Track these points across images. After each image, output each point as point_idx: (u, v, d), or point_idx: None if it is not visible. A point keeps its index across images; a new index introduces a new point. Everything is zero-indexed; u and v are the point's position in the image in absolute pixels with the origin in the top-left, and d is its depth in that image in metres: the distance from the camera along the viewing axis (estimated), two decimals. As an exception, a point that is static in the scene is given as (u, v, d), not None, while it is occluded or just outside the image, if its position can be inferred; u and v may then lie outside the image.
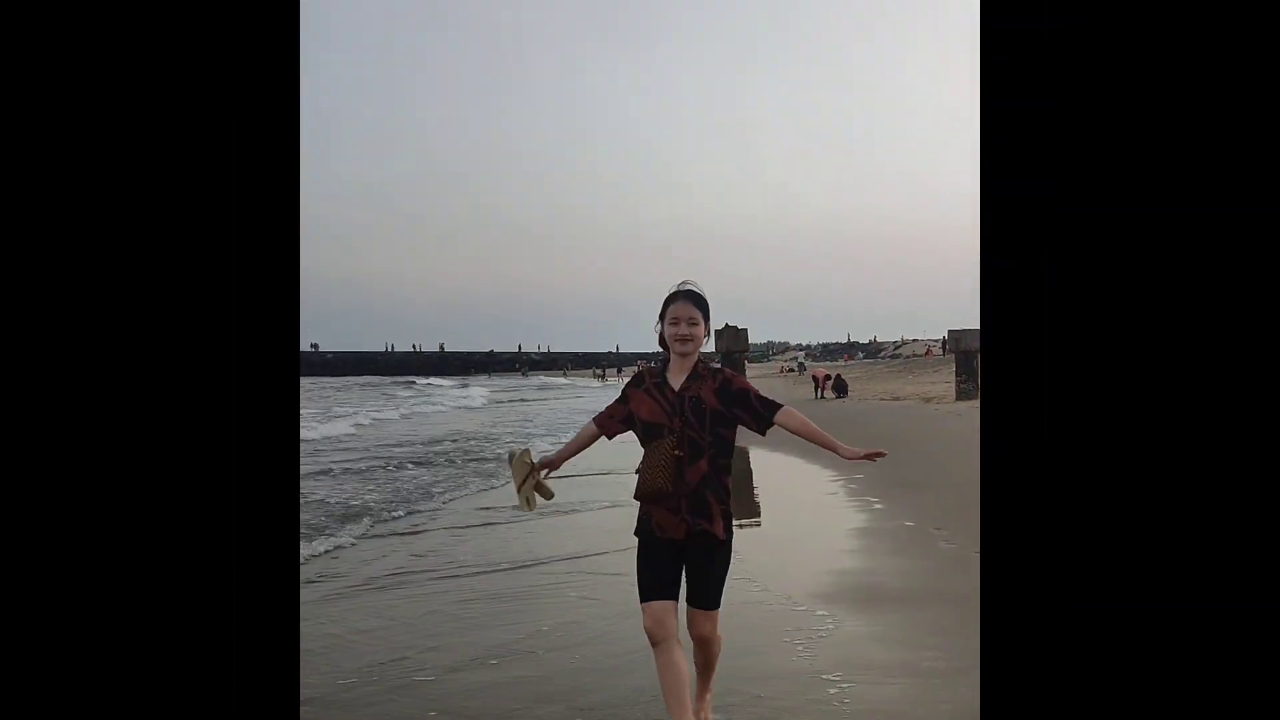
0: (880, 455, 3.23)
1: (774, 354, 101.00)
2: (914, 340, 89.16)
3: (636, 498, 3.29)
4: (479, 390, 47.24)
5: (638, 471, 3.26)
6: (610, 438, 3.52)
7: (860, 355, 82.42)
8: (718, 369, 3.39)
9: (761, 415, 3.27)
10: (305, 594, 5.68)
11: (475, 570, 6.38)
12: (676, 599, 3.24)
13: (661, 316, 3.36)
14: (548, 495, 3.55)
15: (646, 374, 3.44)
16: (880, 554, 6.50)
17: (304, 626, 4.91)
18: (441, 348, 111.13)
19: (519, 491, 3.48)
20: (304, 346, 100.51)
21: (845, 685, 3.90)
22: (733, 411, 3.28)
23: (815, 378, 31.21)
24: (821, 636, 4.59)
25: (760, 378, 43.46)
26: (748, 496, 10.11)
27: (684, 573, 3.29)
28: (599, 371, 75.90)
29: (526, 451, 3.57)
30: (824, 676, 4.01)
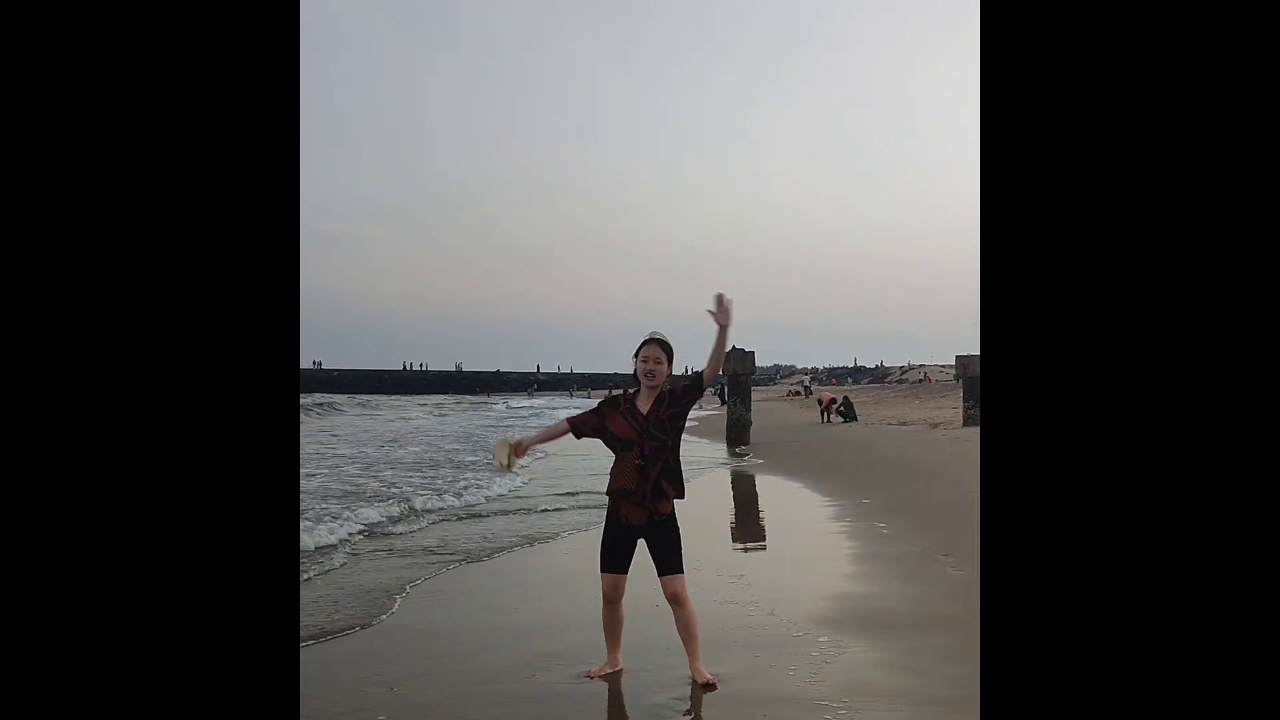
0: (721, 302, 4.26)
1: (781, 377, 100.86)
2: (920, 365, 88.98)
3: (608, 494, 4.37)
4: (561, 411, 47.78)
5: (610, 473, 4.35)
6: (578, 438, 4.50)
7: (850, 380, 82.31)
8: (670, 390, 4.43)
9: (696, 388, 4.48)
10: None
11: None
12: (627, 572, 4.38)
13: (635, 355, 4.39)
14: (517, 463, 4.58)
15: (621, 399, 4.46)
16: (886, 580, 6.47)
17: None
18: (459, 367, 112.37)
19: (507, 467, 4.53)
20: (306, 363, 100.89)
21: (850, 712, 3.88)
22: (682, 404, 4.39)
23: (821, 401, 31.12)
24: (826, 662, 4.55)
25: (766, 401, 43.39)
26: (753, 520, 10.09)
27: (649, 550, 4.33)
28: (609, 393, 74.81)
29: (504, 440, 4.58)
30: (828, 703, 3.98)
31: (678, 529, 4.36)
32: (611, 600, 4.39)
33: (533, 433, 4.67)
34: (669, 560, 4.29)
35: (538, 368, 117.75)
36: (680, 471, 4.40)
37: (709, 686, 4.18)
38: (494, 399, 66.29)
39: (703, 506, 10.16)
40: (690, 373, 4.49)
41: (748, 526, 9.62)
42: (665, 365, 4.38)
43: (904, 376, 79.66)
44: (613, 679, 4.38)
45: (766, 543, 8.74)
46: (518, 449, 4.53)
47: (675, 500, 4.37)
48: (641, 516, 4.29)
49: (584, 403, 62.47)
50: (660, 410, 4.34)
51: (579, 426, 4.47)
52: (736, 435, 21.01)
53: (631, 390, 4.50)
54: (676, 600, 4.28)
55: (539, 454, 4.52)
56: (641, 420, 4.33)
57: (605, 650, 4.49)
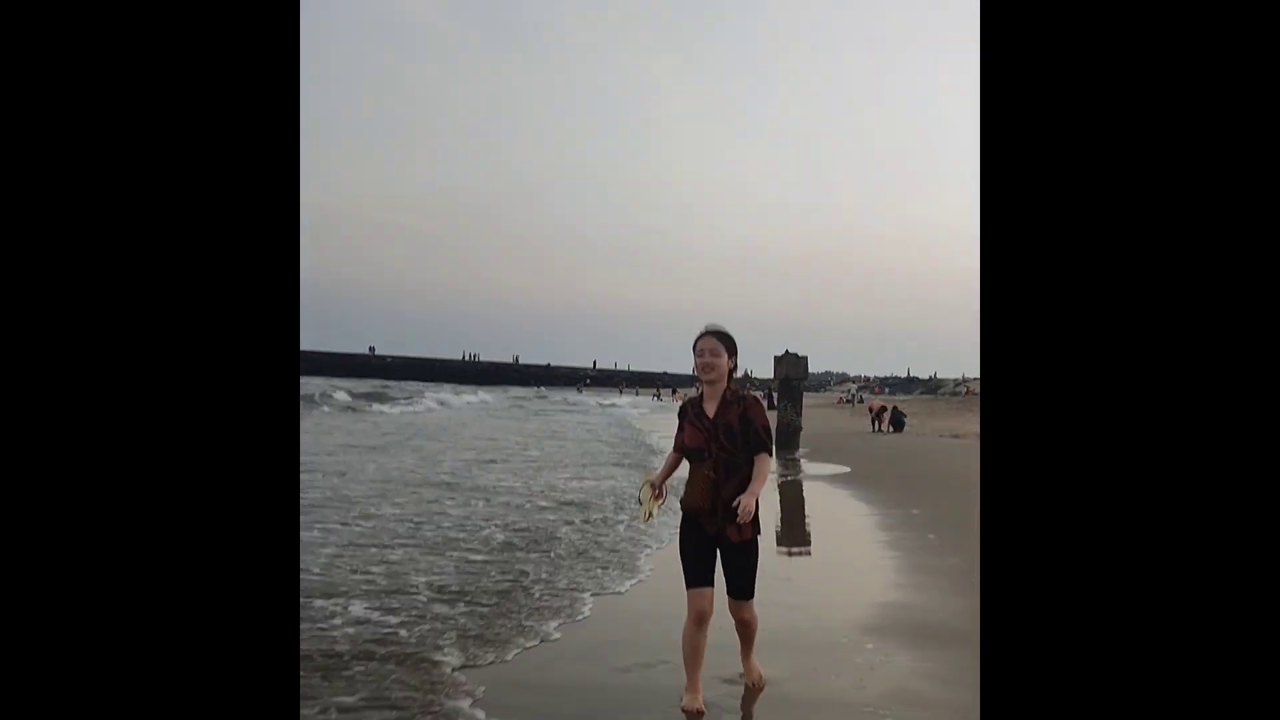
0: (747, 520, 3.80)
1: (834, 384, 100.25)
2: (974, 379, 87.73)
3: (683, 506, 3.99)
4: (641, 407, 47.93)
5: (686, 484, 3.97)
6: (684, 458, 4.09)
7: (888, 390, 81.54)
8: (743, 394, 3.97)
9: (751, 449, 3.90)
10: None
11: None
12: (713, 583, 3.88)
13: (694, 350, 3.97)
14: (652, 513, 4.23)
15: (689, 405, 4.06)
16: (935, 591, 6.40)
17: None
18: (516, 359, 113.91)
19: (647, 505, 4.18)
20: (361, 349, 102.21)
21: (895, 720, 3.85)
22: (745, 434, 3.90)
23: (872, 409, 30.75)
24: (872, 669, 4.53)
25: (817, 408, 43.07)
26: (799, 526, 10.03)
27: (722, 564, 3.93)
28: (657, 392, 74.49)
29: (650, 472, 4.31)
30: (874, 710, 3.96)
31: (755, 551, 3.96)
32: (701, 619, 3.86)
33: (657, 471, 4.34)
34: (739, 584, 3.94)
35: (594, 363, 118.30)
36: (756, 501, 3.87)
37: (757, 684, 4.17)
38: (583, 395, 65.85)
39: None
40: (766, 441, 3.95)
41: (795, 531, 9.57)
42: (725, 358, 3.93)
43: (956, 389, 78.65)
44: (664, 676, 4.38)
45: (813, 548, 8.69)
46: (656, 487, 4.17)
47: (752, 531, 3.89)
48: (713, 528, 3.90)
49: (632, 400, 62.81)
50: (729, 415, 3.90)
51: (675, 447, 4.12)
52: (785, 440, 20.88)
53: (698, 392, 4.08)
54: (743, 623, 4.08)
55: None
56: (709, 424, 3.92)
57: (686, 680, 3.95)
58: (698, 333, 4.00)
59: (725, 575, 3.95)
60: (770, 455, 3.94)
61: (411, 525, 8.41)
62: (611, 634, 5.20)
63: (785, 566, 7.45)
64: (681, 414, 4.08)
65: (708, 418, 3.94)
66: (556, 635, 5.10)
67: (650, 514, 4.16)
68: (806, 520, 10.47)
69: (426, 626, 5.11)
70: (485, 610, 5.54)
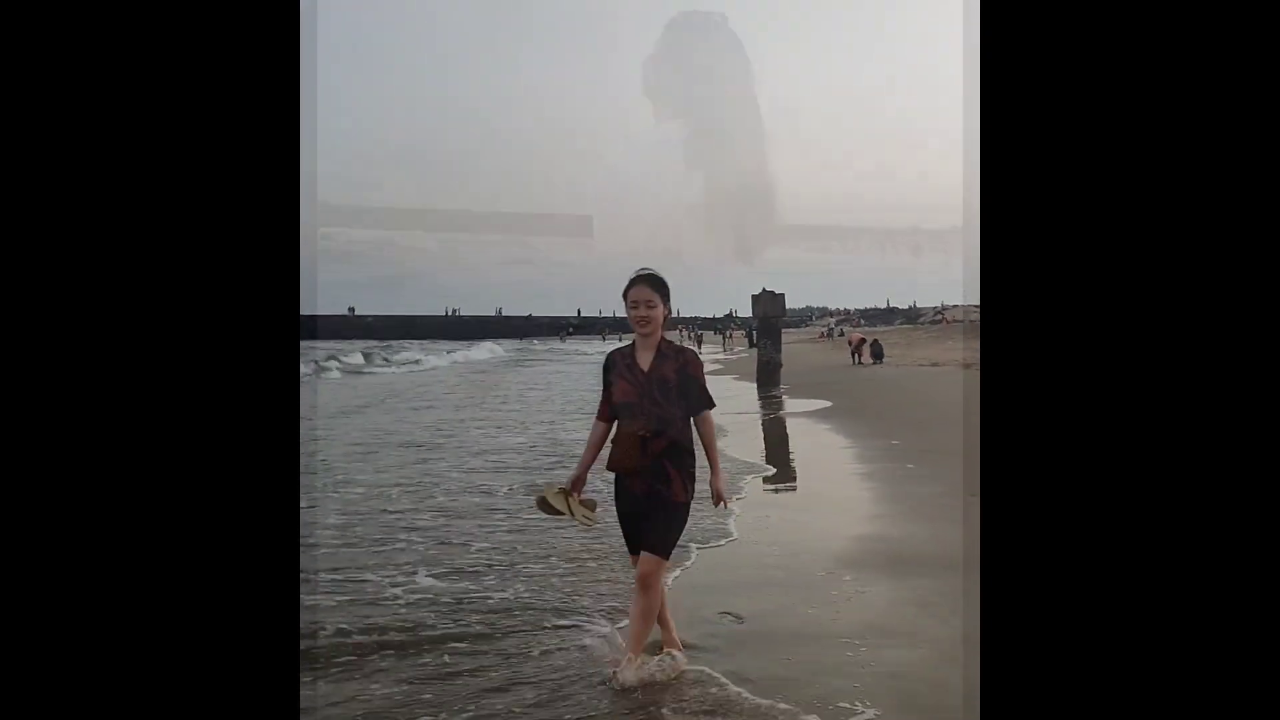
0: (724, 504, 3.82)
1: (815, 319, 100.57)
2: (952, 306, 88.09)
3: (608, 468, 3.71)
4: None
5: (612, 442, 3.69)
6: (611, 421, 3.79)
7: (862, 321, 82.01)
8: (681, 348, 3.74)
9: (692, 407, 3.69)
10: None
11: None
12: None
13: (624, 297, 3.67)
14: (593, 507, 3.89)
15: (618, 357, 3.77)
16: (913, 520, 6.50)
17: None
18: (499, 312, 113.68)
19: (572, 516, 3.82)
20: (341, 309, 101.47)
21: (871, 650, 3.93)
22: (682, 389, 3.66)
23: (851, 341, 30.94)
24: (849, 601, 4.61)
25: (798, 343, 43.24)
26: (784, 461, 10.13)
27: (641, 519, 3.66)
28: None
29: (550, 485, 3.92)
30: (850, 640, 4.04)
31: (683, 514, 3.68)
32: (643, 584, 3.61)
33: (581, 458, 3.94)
34: (657, 536, 3.60)
35: (578, 311, 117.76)
36: (691, 460, 3.68)
37: (619, 682, 3.61)
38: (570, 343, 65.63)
39: (732, 449, 10.21)
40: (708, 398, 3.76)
41: (776, 467, 9.66)
42: (659, 307, 3.63)
43: (935, 319, 79.03)
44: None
45: (796, 484, 8.78)
46: (576, 487, 3.84)
47: (684, 491, 3.64)
48: (641, 489, 3.64)
49: (618, 346, 62.39)
50: (664, 367, 3.65)
51: (603, 412, 3.81)
52: (766, 377, 20.99)
53: (630, 343, 3.81)
54: (645, 583, 3.58)
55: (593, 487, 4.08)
56: (642, 378, 3.65)
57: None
58: (629, 278, 3.69)
59: (647, 525, 3.64)
60: (711, 410, 3.76)
61: (425, 487, 8.34)
62: (727, 578, 5.16)
63: (767, 503, 7.54)
64: (609, 368, 3.77)
65: (641, 371, 3.66)
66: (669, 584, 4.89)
67: (585, 519, 3.84)
68: (790, 456, 10.56)
69: (522, 586, 4.96)
70: (594, 565, 5.37)
